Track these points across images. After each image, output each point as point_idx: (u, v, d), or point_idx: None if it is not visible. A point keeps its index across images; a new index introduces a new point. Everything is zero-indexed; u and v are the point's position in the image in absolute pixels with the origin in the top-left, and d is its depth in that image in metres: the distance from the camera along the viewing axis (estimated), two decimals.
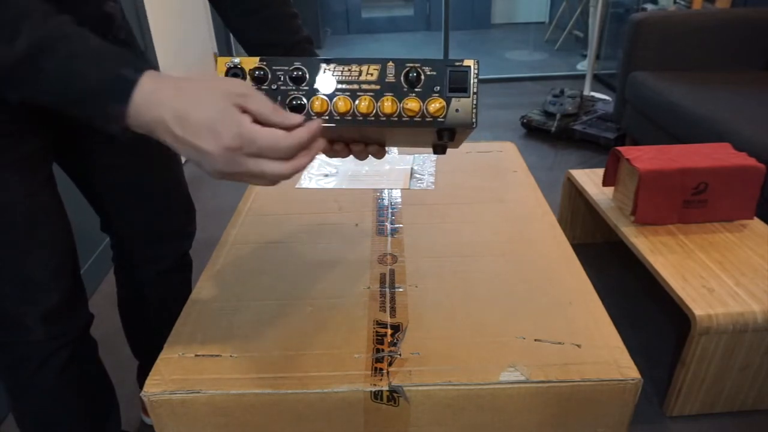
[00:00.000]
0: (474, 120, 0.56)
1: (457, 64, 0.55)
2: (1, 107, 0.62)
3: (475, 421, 0.68)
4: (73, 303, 0.78)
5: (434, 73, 0.55)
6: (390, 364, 0.68)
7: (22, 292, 0.71)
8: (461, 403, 0.67)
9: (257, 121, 0.50)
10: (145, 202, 0.89)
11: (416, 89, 0.55)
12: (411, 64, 0.54)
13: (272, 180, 0.52)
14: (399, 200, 1.10)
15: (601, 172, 1.56)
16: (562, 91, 2.68)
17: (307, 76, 0.55)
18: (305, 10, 4.48)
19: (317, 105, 0.55)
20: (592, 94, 2.93)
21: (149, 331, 1.05)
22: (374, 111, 0.55)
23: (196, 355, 0.71)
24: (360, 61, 0.55)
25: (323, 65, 0.55)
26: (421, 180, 1.18)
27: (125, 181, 0.86)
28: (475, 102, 0.56)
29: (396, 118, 0.56)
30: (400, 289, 0.83)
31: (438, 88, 0.55)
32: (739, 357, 1.07)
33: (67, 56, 0.47)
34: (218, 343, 0.73)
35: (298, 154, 0.51)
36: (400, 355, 0.70)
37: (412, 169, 1.24)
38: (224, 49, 3.26)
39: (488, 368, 0.67)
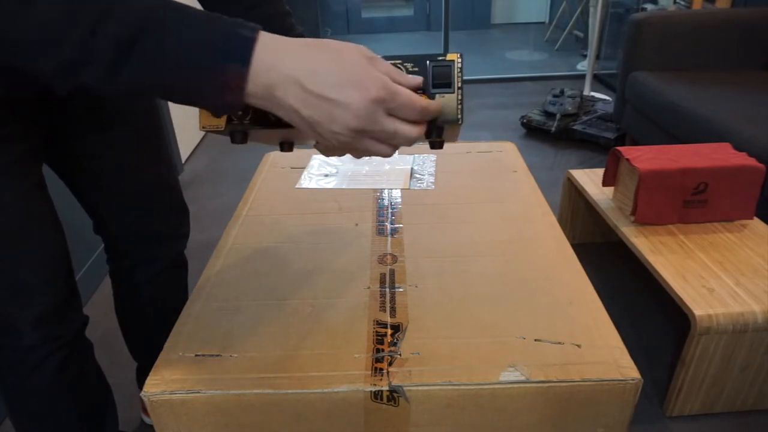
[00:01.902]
0: (459, 116, 0.54)
1: (440, 59, 0.53)
2: None
3: (475, 421, 0.68)
4: (66, 307, 0.78)
5: (416, 69, 0.53)
6: (390, 364, 0.68)
7: (13, 296, 0.71)
8: (461, 403, 0.67)
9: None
10: (137, 204, 0.89)
11: None
12: (392, 61, 0.52)
13: (402, 142, 0.50)
14: (399, 200, 1.10)
15: (601, 172, 1.56)
16: (562, 91, 2.69)
17: None
18: (305, 10, 4.48)
19: None
20: (592, 94, 2.93)
21: (146, 331, 1.05)
22: None
23: (196, 355, 0.71)
24: None
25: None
26: (421, 180, 1.18)
27: (117, 183, 0.85)
28: (459, 97, 0.54)
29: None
30: (400, 289, 0.83)
31: (423, 77, 0.53)
32: (739, 357, 1.07)
33: (174, 30, 0.43)
34: (218, 343, 0.73)
35: (423, 120, 0.51)
36: (400, 355, 0.70)
37: (412, 169, 1.24)
38: None
39: (488, 368, 0.67)
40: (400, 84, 0.49)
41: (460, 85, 0.53)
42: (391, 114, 0.48)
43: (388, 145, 0.50)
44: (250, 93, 0.45)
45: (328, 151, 0.55)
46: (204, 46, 0.44)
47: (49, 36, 0.42)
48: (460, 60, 0.53)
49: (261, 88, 0.45)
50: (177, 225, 0.98)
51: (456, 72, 0.53)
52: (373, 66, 0.47)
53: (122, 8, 0.43)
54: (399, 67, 0.53)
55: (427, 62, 0.53)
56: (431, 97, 0.53)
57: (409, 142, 0.50)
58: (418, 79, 0.51)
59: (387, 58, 0.53)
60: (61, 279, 0.76)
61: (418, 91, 0.53)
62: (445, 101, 0.53)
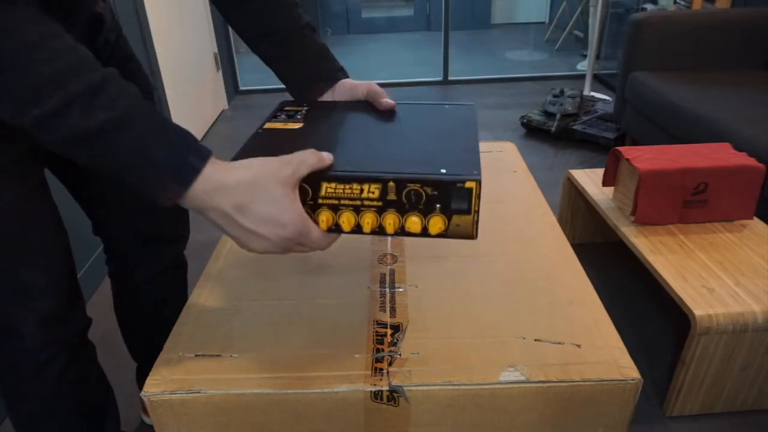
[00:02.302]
0: (474, 233, 0.58)
1: (459, 185, 0.55)
2: None
3: (475, 421, 0.68)
4: (70, 308, 0.78)
5: (435, 192, 0.56)
6: (390, 364, 0.68)
7: (17, 298, 0.71)
8: (461, 403, 0.67)
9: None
10: (136, 205, 0.89)
11: (418, 207, 0.56)
12: (412, 185, 0.55)
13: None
14: None
15: (601, 172, 1.56)
16: (562, 91, 2.69)
17: (310, 192, 0.57)
18: (305, 11, 4.48)
19: (323, 220, 0.57)
20: (592, 94, 2.93)
21: (146, 332, 1.05)
22: (377, 226, 0.58)
23: (196, 355, 0.71)
24: (360, 179, 0.56)
25: (324, 183, 0.56)
26: None
27: (116, 185, 0.85)
28: (476, 219, 0.57)
29: (399, 231, 0.58)
30: (400, 289, 0.83)
31: (439, 206, 0.56)
32: (739, 357, 1.07)
33: (138, 136, 0.50)
34: (218, 343, 0.73)
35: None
36: (400, 355, 0.70)
37: None
38: (224, 49, 3.26)
39: (488, 368, 0.67)
40: (318, 170, 0.55)
41: (477, 208, 0.56)
42: (301, 243, 0.57)
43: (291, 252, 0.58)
44: (183, 204, 0.53)
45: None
46: (158, 161, 0.50)
47: (30, 98, 0.46)
48: (478, 187, 0.55)
49: (193, 206, 0.53)
50: (177, 226, 0.98)
51: (474, 198, 0.56)
52: (294, 198, 0.54)
53: (113, 92, 0.49)
54: (419, 191, 0.56)
55: (446, 188, 0.55)
56: (448, 218, 0.57)
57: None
58: (329, 159, 0.57)
59: (407, 180, 0.55)
60: (64, 280, 0.76)
61: (435, 211, 0.56)
62: (462, 221, 0.57)
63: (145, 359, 1.12)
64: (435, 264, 0.88)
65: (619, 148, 1.37)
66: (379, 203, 0.57)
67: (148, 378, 0.67)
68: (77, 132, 0.48)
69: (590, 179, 1.58)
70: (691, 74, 2.07)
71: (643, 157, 1.30)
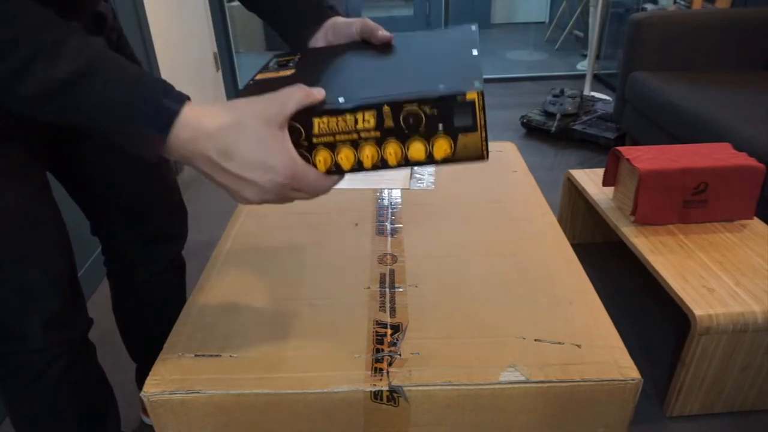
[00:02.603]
0: (485, 153, 0.53)
1: (459, 98, 0.50)
2: None
3: (475, 421, 0.68)
4: (73, 309, 0.77)
5: (435, 111, 0.51)
6: (390, 364, 0.68)
7: (22, 300, 0.70)
8: (461, 403, 0.67)
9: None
10: (135, 206, 0.89)
11: (419, 130, 0.52)
12: (409, 106, 0.51)
13: (311, 199, 0.56)
14: (399, 200, 1.10)
15: (601, 172, 1.56)
16: (562, 91, 2.68)
17: (303, 131, 0.53)
18: None
19: (321, 161, 0.54)
20: (592, 94, 2.93)
21: (145, 332, 1.05)
22: (379, 159, 0.54)
23: (196, 355, 0.71)
24: (353, 109, 0.52)
25: (316, 119, 0.52)
26: (421, 180, 1.18)
27: (115, 186, 0.85)
28: (484, 135, 0.52)
29: (403, 162, 0.54)
30: (400, 289, 0.83)
31: (441, 126, 0.52)
32: (739, 357, 1.07)
33: (107, 83, 0.47)
34: (218, 343, 0.72)
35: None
36: (400, 355, 0.70)
37: (412, 169, 1.24)
38: (224, 49, 3.26)
39: (488, 368, 0.67)
40: (308, 105, 0.52)
41: (483, 123, 0.52)
42: (296, 189, 0.53)
43: (289, 201, 0.55)
44: (169, 155, 0.50)
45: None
46: (131, 107, 0.48)
47: None
48: (481, 98, 0.51)
49: (178, 155, 0.50)
50: (175, 226, 0.98)
51: (478, 111, 0.51)
52: (283, 138, 0.51)
53: (75, 44, 0.47)
54: (417, 112, 0.51)
55: (446, 103, 0.51)
56: (454, 138, 0.52)
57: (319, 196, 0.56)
58: (321, 94, 0.53)
59: (403, 101, 0.51)
60: (67, 281, 0.75)
61: (438, 132, 0.52)
62: (469, 140, 0.52)
63: (144, 359, 1.12)
64: (435, 264, 0.88)
65: (619, 148, 1.37)
66: (377, 133, 0.52)
67: (148, 378, 0.67)
68: (43, 86, 0.46)
69: (590, 179, 1.58)
70: (691, 74, 2.07)
71: (643, 157, 1.30)
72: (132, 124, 0.48)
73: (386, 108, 0.51)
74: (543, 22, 5.37)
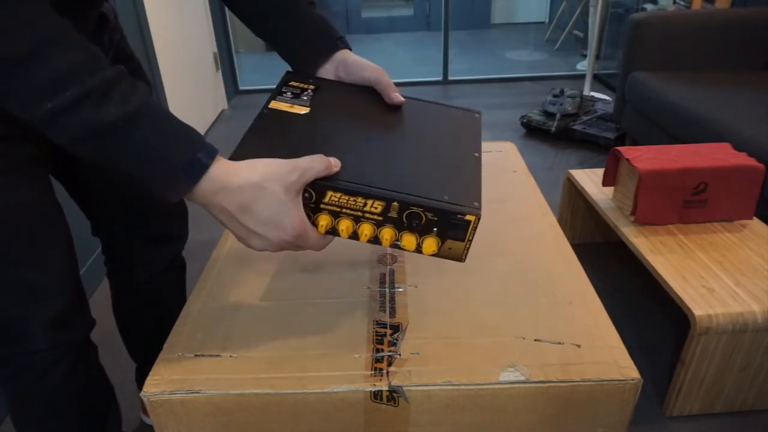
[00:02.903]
0: (464, 257, 0.61)
1: (459, 216, 0.57)
2: (3, 110, 0.62)
3: (475, 421, 0.68)
4: (76, 309, 0.78)
5: (435, 218, 0.57)
6: (390, 364, 0.68)
7: (26, 300, 0.71)
8: (461, 403, 0.67)
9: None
10: (135, 206, 0.89)
11: (416, 227, 0.59)
12: (415, 208, 0.57)
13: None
14: None
15: (601, 172, 1.56)
16: (562, 91, 2.69)
17: (314, 196, 0.58)
18: None
19: (322, 224, 0.59)
20: (592, 94, 2.93)
21: (145, 332, 1.05)
22: (373, 237, 0.60)
23: (196, 355, 0.71)
24: (366, 195, 0.57)
25: (329, 192, 0.57)
26: None
27: (116, 186, 0.85)
28: (468, 245, 0.60)
29: (394, 245, 0.60)
30: (400, 289, 0.83)
31: (436, 229, 0.58)
32: (739, 357, 1.07)
33: (149, 131, 0.50)
34: (218, 343, 0.72)
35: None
36: (399, 355, 0.70)
37: None
38: (224, 49, 3.26)
39: (488, 368, 0.67)
40: (324, 177, 0.56)
41: (471, 237, 0.59)
42: (299, 246, 0.58)
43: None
44: (189, 199, 0.55)
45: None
46: (168, 157, 0.51)
47: (45, 90, 0.47)
48: (476, 222, 0.58)
49: (199, 202, 0.55)
50: (175, 226, 0.98)
51: (470, 230, 0.59)
52: (296, 203, 0.55)
53: (125, 89, 0.49)
54: (420, 215, 0.58)
55: (447, 217, 0.57)
56: (443, 241, 0.59)
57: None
58: (337, 166, 0.58)
59: (411, 203, 0.56)
60: (71, 281, 0.75)
61: (431, 233, 0.59)
62: (454, 246, 0.60)
63: (144, 359, 1.12)
64: (435, 264, 0.88)
65: (619, 148, 1.37)
66: (379, 218, 0.58)
67: (148, 378, 0.67)
68: (89, 127, 0.48)
69: (590, 179, 1.58)
70: (691, 74, 2.07)
71: (643, 157, 1.30)
72: (165, 172, 0.51)
73: (395, 204, 0.57)
74: (543, 22, 5.37)
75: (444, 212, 0.57)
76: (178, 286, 1.05)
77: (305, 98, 0.69)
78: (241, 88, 3.52)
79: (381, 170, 0.60)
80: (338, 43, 0.73)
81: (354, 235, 0.60)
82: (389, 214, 0.58)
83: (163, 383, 0.66)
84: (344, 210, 0.58)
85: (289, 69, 0.76)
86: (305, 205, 0.57)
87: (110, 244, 0.95)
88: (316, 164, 0.55)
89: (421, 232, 0.59)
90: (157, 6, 2.23)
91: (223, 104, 3.23)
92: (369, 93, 0.73)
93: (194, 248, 1.03)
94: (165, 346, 0.73)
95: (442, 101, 0.76)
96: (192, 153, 0.52)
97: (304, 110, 0.67)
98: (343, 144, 0.63)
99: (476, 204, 0.58)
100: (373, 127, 0.68)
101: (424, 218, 0.58)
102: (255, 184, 0.53)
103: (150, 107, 0.51)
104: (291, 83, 0.71)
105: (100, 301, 1.55)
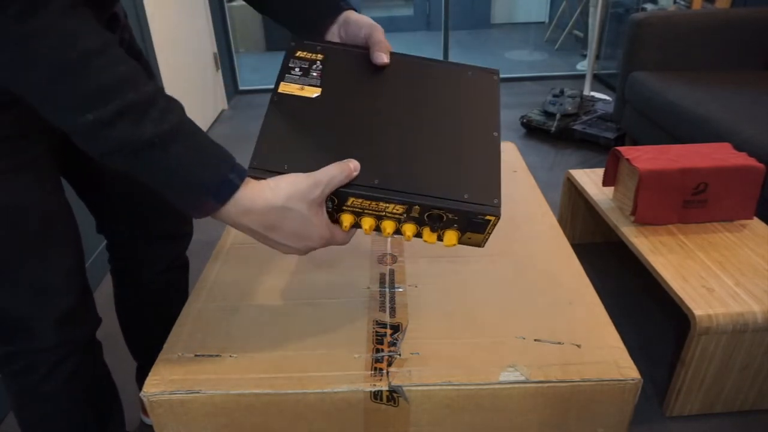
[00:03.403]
0: (483, 244, 0.63)
1: (480, 216, 0.58)
2: (14, 108, 0.62)
3: (475, 421, 0.68)
4: (83, 307, 0.78)
5: (456, 218, 0.59)
6: (390, 364, 0.68)
7: (36, 297, 0.71)
8: (461, 403, 0.67)
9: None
10: (141, 204, 0.89)
11: (437, 225, 0.60)
12: (437, 210, 0.58)
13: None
14: None
15: (601, 172, 1.56)
16: (562, 91, 2.68)
17: (336, 201, 0.59)
18: None
19: (345, 223, 0.60)
20: (592, 94, 2.93)
21: (147, 331, 1.05)
22: (395, 231, 0.62)
23: (196, 355, 0.71)
24: (387, 200, 0.58)
25: (351, 198, 0.58)
26: None
27: (122, 184, 0.85)
28: (488, 237, 0.62)
29: (415, 237, 0.62)
30: (400, 289, 0.83)
31: (456, 225, 0.60)
32: (739, 357, 1.07)
33: (183, 150, 0.51)
34: (218, 343, 0.72)
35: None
36: (399, 355, 0.70)
37: None
38: (224, 49, 3.26)
39: (488, 368, 0.67)
40: (336, 184, 0.57)
41: (491, 231, 0.61)
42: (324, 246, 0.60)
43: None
44: (214, 218, 0.56)
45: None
46: (200, 176, 0.52)
47: (89, 101, 0.47)
48: (496, 222, 0.60)
49: (224, 220, 0.56)
50: (180, 224, 0.98)
51: (490, 228, 0.61)
52: (317, 218, 0.57)
53: (162, 107, 0.50)
54: (441, 215, 0.59)
55: (468, 216, 0.59)
56: (463, 233, 0.61)
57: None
58: (356, 169, 0.58)
59: (433, 206, 0.58)
60: (78, 279, 0.76)
61: (451, 228, 0.60)
62: (474, 237, 0.62)
63: (145, 358, 1.12)
64: (435, 264, 0.88)
65: (619, 148, 1.37)
66: (401, 216, 0.60)
67: (148, 378, 0.67)
68: (126, 142, 0.49)
69: (590, 179, 1.58)
70: (691, 74, 2.07)
71: (643, 157, 1.30)
72: (195, 192, 0.52)
73: (417, 207, 0.58)
74: (543, 22, 5.37)
75: (464, 212, 0.58)
76: (180, 285, 1.05)
77: (314, 74, 0.66)
78: (241, 88, 3.51)
79: (400, 168, 0.60)
80: (342, 4, 0.71)
81: (377, 230, 0.62)
82: (411, 214, 0.60)
83: (163, 383, 0.66)
84: (366, 210, 0.60)
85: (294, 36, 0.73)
86: (328, 211, 0.60)
87: (115, 242, 0.95)
88: (337, 175, 0.56)
89: (442, 227, 0.61)
90: (157, 6, 2.23)
91: (223, 104, 3.23)
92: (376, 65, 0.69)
93: (194, 248, 1.02)
94: (165, 346, 0.73)
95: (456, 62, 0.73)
96: (224, 174, 0.53)
97: (315, 92, 0.65)
98: (359, 138, 0.62)
99: (496, 201, 0.59)
100: (387, 108, 0.65)
101: (444, 218, 0.59)
102: (280, 207, 0.55)
103: (184, 125, 0.52)
104: (297, 54, 0.68)
105: (101, 301, 1.55)
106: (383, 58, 0.67)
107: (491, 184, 0.60)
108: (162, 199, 0.90)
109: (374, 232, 0.64)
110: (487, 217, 0.59)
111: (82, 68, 0.46)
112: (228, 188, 0.53)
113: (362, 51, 0.69)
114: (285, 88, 0.65)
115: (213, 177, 0.52)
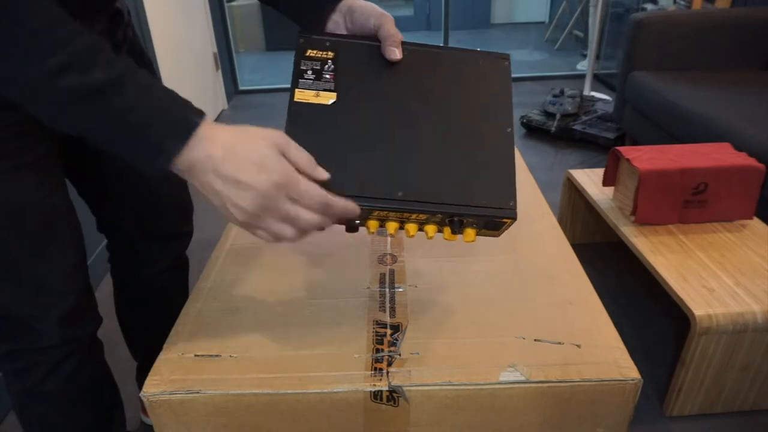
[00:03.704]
0: (500, 235, 0.66)
1: (497, 219, 0.61)
2: (17, 108, 0.62)
3: (475, 421, 0.68)
4: (86, 306, 0.78)
5: (475, 222, 0.62)
6: (390, 364, 0.68)
7: (39, 296, 0.71)
8: (461, 403, 0.67)
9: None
10: (142, 204, 0.89)
11: (456, 226, 0.62)
12: (458, 217, 0.61)
13: (304, 226, 0.55)
14: None
15: (601, 172, 1.56)
16: (562, 91, 2.68)
17: (361, 214, 0.60)
18: None
19: (372, 229, 0.62)
20: (592, 94, 2.93)
21: (147, 331, 1.05)
22: (417, 231, 0.64)
23: (196, 356, 0.71)
24: (413, 210, 0.60)
25: (377, 211, 0.60)
26: None
27: (123, 183, 0.85)
28: (503, 231, 0.65)
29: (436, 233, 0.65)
30: (400, 289, 0.83)
31: (475, 225, 0.63)
32: (739, 357, 1.07)
33: (138, 95, 0.49)
34: (218, 343, 0.72)
35: (326, 213, 0.56)
36: (399, 355, 0.70)
37: None
38: (224, 49, 3.26)
39: (488, 368, 0.67)
40: (306, 175, 0.54)
41: (507, 227, 0.64)
42: (293, 200, 0.53)
43: (292, 227, 0.55)
44: (178, 164, 0.52)
45: (236, 223, 0.57)
46: (157, 118, 0.50)
47: (39, 50, 0.46)
48: (512, 222, 0.63)
49: (186, 163, 0.52)
50: (181, 224, 0.98)
51: (505, 227, 0.64)
52: (282, 155, 0.53)
53: (109, 56, 0.48)
54: (462, 221, 0.62)
55: (486, 220, 0.62)
56: (479, 230, 0.64)
57: (313, 227, 0.56)
58: (324, 174, 0.57)
59: (454, 214, 0.61)
60: (81, 278, 0.76)
61: (472, 226, 0.63)
62: (489, 233, 0.66)
63: (145, 358, 1.12)
64: (435, 264, 0.88)
65: (619, 148, 1.37)
66: (424, 220, 0.63)
67: (148, 378, 0.67)
68: (74, 93, 0.47)
69: (590, 179, 1.58)
70: (691, 74, 2.07)
71: (643, 157, 1.30)
72: (155, 135, 0.50)
73: (439, 215, 0.61)
74: (543, 22, 5.37)
75: (483, 216, 0.61)
76: (180, 284, 1.05)
77: (327, 76, 0.65)
78: (241, 87, 3.51)
79: (421, 177, 0.61)
80: None
81: (400, 229, 0.64)
82: (432, 219, 0.62)
83: (163, 383, 0.66)
84: (390, 215, 0.62)
85: (300, 30, 0.70)
86: (355, 223, 0.62)
87: (115, 241, 0.95)
88: (303, 158, 0.55)
89: (462, 227, 0.63)
90: (156, 6, 2.23)
91: (223, 104, 3.23)
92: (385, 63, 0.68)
93: (194, 248, 1.02)
94: (165, 346, 0.73)
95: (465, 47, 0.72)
96: (181, 112, 0.51)
97: (330, 98, 0.64)
98: (379, 148, 0.62)
99: (512, 204, 0.61)
100: (402, 108, 0.65)
101: (465, 221, 0.62)
102: (241, 130, 0.53)
103: (134, 71, 0.50)
104: (308, 54, 0.67)
105: (101, 300, 1.55)
106: (396, 54, 0.64)
107: (507, 186, 0.62)
108: (164, 198, 0.91)
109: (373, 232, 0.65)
110: (504, 219, 0.62)
111: (18, 25, 0.45)
112: (186, 125, 0.51)
113: (372, 44, 0.67)
114: (300, 96, 0.64)
115: (173, 115, 0.51)
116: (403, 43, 0.66)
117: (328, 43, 0.67)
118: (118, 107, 0.49)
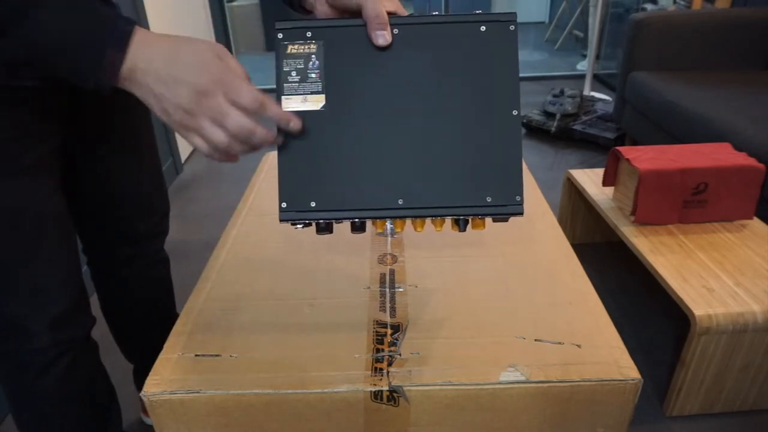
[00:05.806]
0: (507, 218, 0.63)
1: (503, 215, 0.60)
2: (23, 108, 0.62)
3: (475, 421, 0.68)
4: (79, 307, 0.78)
5: (482, 219, 0.61)
6: (390, 364, 0.68)
7: (30, 298, 0.71)
8: (461, 403, 0.67)
9: None
10: (117, 207, 0.88)
11: (464, 222, 0.62)
12: (463, 216, 0.60)
13: (233, 126, 0.53)
14: None
15: (601, 172, 1.56)
16: (562, 91, 2.68)
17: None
18: None
19: (379, 228, 0.64)
20: (592, 94, 2.93)
21: (137, 331, 1.04)
22: (425, 226, 0.65)
23: (196, 355, 0.71)
24: (415, 216, 0.59)
25: (388, 223, 0.62)
26: None
27: (99, 186, 0.85)
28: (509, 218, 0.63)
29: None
30: (400, 289, 0.83)
31: (482, 219, 0.62)
32: (739, 357, 1.07)
33: (63, 7, 0.49)
34: (218, 343, 0.73)
35: (261, 114, 0.55)
36: (400, 355, 0.70)
37: None
38: None
39: (488, 368, 0.67)
40: (241, 88, 0.54)
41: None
42: (230, 100, 0.53)
43: (222, 129, 0.53)
44: (121, 74, 0.52)
45: (174, 125, 0.55)
46: (91, 29, 0.50)
47: None
48: (519, 214, 0.61)
49: (127, 70, 0.52)
50: (156, 224, 0.97)
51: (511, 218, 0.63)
52: (221, 60, 0.53)
53: None
54: (468, 219, 0.61)
55: (493, 213, 0.60)
56: (483, 220, 0.63)
57: (244, 130, 0.53)
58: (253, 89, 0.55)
59: (459, 215, 0.60)
60: (74, 279, 0.76)
61: (480, 219, 0.62)
62: (498, 220, 0.63)
63: (139, 359, 1.12)
64: (435, 264, 0.88)
65: (619, 148, 1.37)
66: (432, 218, 0.63)
67: (148, 378, 0.67)
68: (15, 6, 0.47)
69: (590, 179, 1.58)
70: (691, 74, 2.07)
71: (643, 157, 1.30)
72: (93, 45, 0.50)
73: (447, 217, 0.61)
74: (543, 22, 5.37)
75: (488, 214, 0.60)
76: (161, 281, 1.04)
77: (314, 75, 0.61)
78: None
79: (422, 180, 0.60)
80: None
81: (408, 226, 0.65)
82: (440, 218, 0.63)
83: (163, 383, 0.66)
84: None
85: (278, 19, 0.65)
86: (357, 225, 0.61)
87: (90, 244, 0.94)
88: (247, 89, 0.54)
89: (467, 224, 0.63)
90: (157, 6, 2.23)
91: None
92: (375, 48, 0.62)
93: (194, 248, 1.02)
94: (165, 346, 0.73)
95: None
96: (113, 21, 0.51)
97: (319, 101, 0.61)
98: (375, 154, 0.60)
99: (518, 198, 0.59)
100: (396, 102, 0.60)
101: (471, 219, 0.62)
102: (176, 36, 0.53)
103: None
104: (290, 50, 0.62)
105: (97, 301, 1.55)
106: (383, 39, 0.58)
107: (513, 179, 0.59)
108: (140, 199, 0.90)
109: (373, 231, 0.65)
110: (510, 215, 0.61)
111: None
112: (121, 32, 0.51)
113: (358, 26, 0.60)
114: (288, 103, 0.61)
115: (106, 25, 0.50)
116: (392, 19, 0.60)
117: (309, 33, 0.62)
118: (41, 26, 0.49)
